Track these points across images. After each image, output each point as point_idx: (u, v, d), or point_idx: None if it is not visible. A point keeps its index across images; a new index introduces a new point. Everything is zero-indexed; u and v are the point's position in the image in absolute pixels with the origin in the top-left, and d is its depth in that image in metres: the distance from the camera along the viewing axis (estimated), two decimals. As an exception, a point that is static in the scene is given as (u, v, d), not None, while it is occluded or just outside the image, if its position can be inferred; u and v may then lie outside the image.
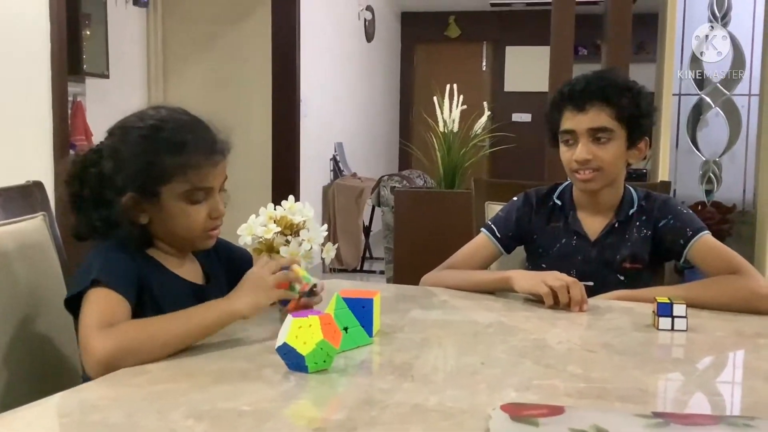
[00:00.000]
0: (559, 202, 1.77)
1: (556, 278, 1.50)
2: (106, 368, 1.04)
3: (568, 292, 1.47)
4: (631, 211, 1.72)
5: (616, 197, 1.73)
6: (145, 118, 1.24)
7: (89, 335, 1.08)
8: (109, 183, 1.20)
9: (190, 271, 1.32)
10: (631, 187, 1.76)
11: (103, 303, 1.12)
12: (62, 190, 1.26)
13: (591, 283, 1.62)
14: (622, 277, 1.69)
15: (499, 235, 1.77)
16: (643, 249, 1.70)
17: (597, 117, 1.63)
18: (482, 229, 1.81)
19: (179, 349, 1.11)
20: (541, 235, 1.77)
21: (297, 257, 1.44)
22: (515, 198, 1.82)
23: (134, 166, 1.20)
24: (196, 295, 1.28)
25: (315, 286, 1.32)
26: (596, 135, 1.64)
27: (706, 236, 1.65)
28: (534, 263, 1.80)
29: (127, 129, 1.24)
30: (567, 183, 1.79)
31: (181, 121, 1.25)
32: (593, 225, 1.74)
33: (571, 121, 1.66)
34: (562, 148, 1.70)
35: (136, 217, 1.22)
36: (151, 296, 1.21)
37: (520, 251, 1.85)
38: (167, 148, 1.20)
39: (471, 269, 1.74)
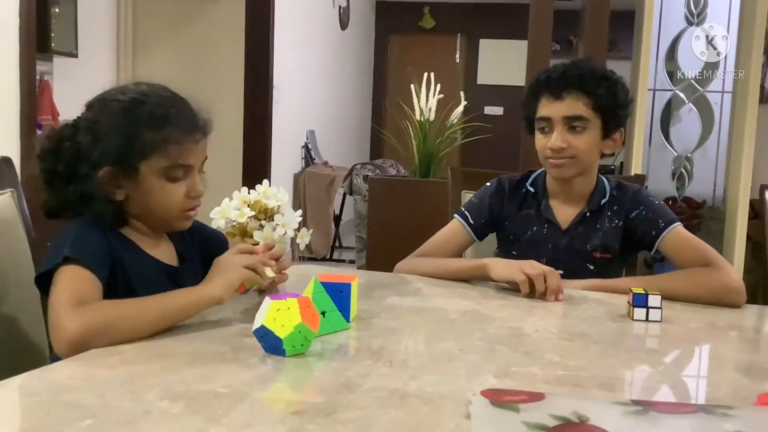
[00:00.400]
0: (531, 189, 1.77)
1: (532, 266, 1.51)
2: (77, 348, 1.01)
3: (545, 281, 1.48)
4: (603, 201, 1.72)
5: (588, 186, 1.73)
6: (126, 92, 1.21)
7: (60, 314, 1.04)
8: (86, 157, 1.17)
9: (165, 253, 1.29)
10: (603, 177, 1.76)
11: (75, 281, 1.09)
12: (35, 166, 1.22)
13: (560, 272, 1.62)
14: (592, 267, 1.70)
15: (472, 222, 1.77)
16: (614, 239, 1.71)
17: (573, 105, 1.64)
18: (455, 215, 1.80)
19: (151, 333, 1.09)
20: (512, 221, 1.77)
21: (271, 242, 1.43)
22: (488, 184, 1.82)
23: (113, 140, 1.16)
24: (170, 276, 1.26)
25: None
26: (572, 123, 1.64)
27: (678, 227, 1.66)
28: (504, 250, 1.80)
29: (106, 102, 1.20)
30: (540, 170, 1.79)
31: (163, 96, 1.22)
32: (565, 213, 1.74)
33: (547, 108, 1.66)
34: (538, 135, 1.70)
35: (112, 193, 1.19)
36: (124, 276, 1.18)
37: (491, 239, 1.85)
38: (148, 122, 1.17)
39: (444, 257, 1.73)
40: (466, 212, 1.79)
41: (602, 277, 1.66)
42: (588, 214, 1.72)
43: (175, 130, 1.19)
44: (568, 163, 1.66)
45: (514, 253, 1.73)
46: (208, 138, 1.26)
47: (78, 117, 1.22)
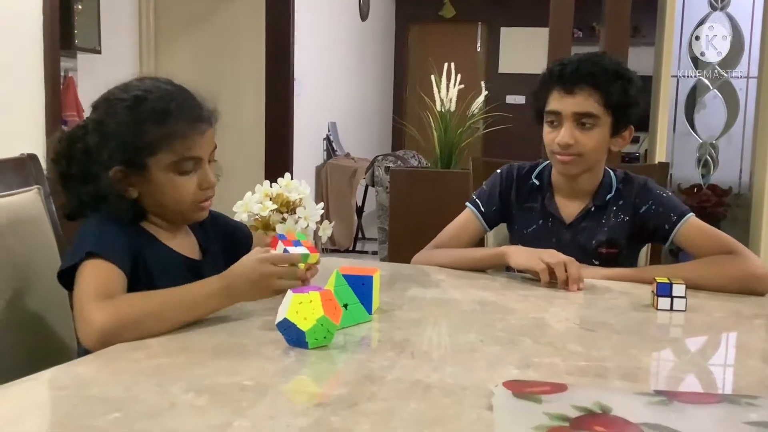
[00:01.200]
0: (537, 182, 1.75)
1: (552, 255, 1.50)
2: (104, 340, 1.03)
3: (565, 270, 1.47)
4: (609, 196, 1.70)
5: (594, 182, 1.71)
6: (129, 90, 1.21)
7: (87, 307, 1.06)
8: (96, 157, 1.18)
9: (185, 245, 1.30)
10: (610, 170, 1.73)
11: (100, 274, 1.10)
12: (50, 169, 1.24)
13: None
14: (596, 262, 1.67)
15: (483, 210, 1.76)
16: (620, 234, 1.69)
17: (584, 102, 1.61)
18: (467, 203, 1.79)
19: (176, 328, 1.10)
20: (518, 212, 1.76)
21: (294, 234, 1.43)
22: (498, 171, 1.80)
23: (119, 139, 1.17)
24: (191, 269, 1.27)
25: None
26: (581, 120, 1.61)
27: (692, 218, 1.64)
28: (512, 242, 1.78)
29: (111, 101, 1.21)
30: (547, 162, 1.76)
31: (164, 90, 1.22)
32: (569, 208, 1.72)
33: (558, 102, 1.63)
34: (546, 129, 1.68)
35: (125, 191, 1.20)
36: (144, 269, 1.19)
37: (500, 229, 1.83)
38: (151, 119, 1.18)
39: (459, 247, 1.73)
40: (477, 200, 1.77)
41: None
42: (593, 209, 1.70)
43: (179, 124, 1.19)
44: (575, 160, 1.64)
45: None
46: (216, 127, 1.26)
47: (87, 118, 1.24)
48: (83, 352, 1.07)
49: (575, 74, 1.61)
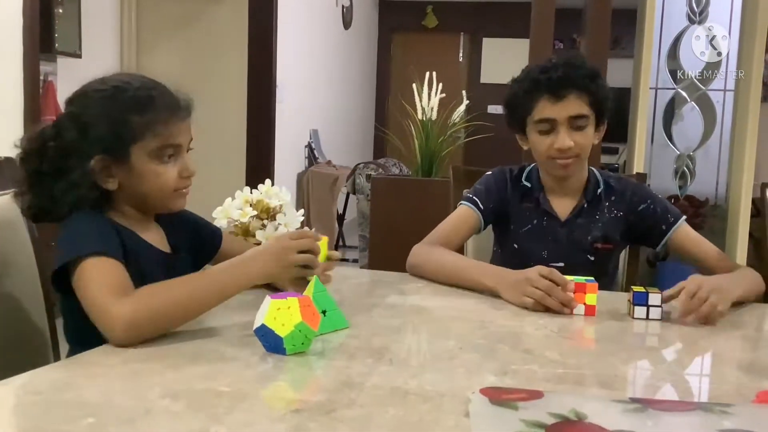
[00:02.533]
0: (527, 184, 1.78)
1: (533, 283, 1.39)
2: (134, 335, 1.03)
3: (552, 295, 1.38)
4: (599, 191, 1.74)
5: (582, 179, 1.75)
6: (107, 82, 1.22)
7: (104, 305, 1.04)
8: (74, 151, 1.17)
9: (157, 239, 1.29)
10: (592, 168, 1.79)
11: (107, 272, 1.09)
12: (18, 169, 1.22)
13: (561, 264, 1.64)
14: (592, 258, 1.72)
15: (482, 207, 1.76)
16: (615, 229, 1.74)
17: (576, 105, 1.65)
18: (462, 201, 1.79)
19: (198, 316, 1.11)
20: (514, 212, 1.78)
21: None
22: (490, 172, 1.82)
23: (101, 129, 1.17)
24: (165, 263, 1.26)
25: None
26: (576, 123, 1.66)
27: (685, 224, 1.72)
28: (505, 243, 1.80)
29: (88, 94, 1.21)
30: (532, 166, 1.80)
31: (143, 80, 1.24)
32: (562, 206, 1.76)
33: (549, 109, 1.66)
34: (537, 137, 1.69)
35: (104, 182, 1.19)
36: (135, 262, 1.18)
37: (477, 239, 1.84)
38: (134, 107, 1.18)
39: (455, 244, 1.73)
40: (474, 197, 1.77)
41: (601, 267, 1.71)
42: (586, 206, 1.74)
43: (161, 111, 1.20)
44: (574, 161, 1.68)
45: (515, 246, 1.75)
46: (193, 117, 1.26)
47: (58, 116, 1.23)
48: (75, 352, 1.06)
49: (563, 80, 1.64)
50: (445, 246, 1.69)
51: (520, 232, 1.77)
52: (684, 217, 1.73)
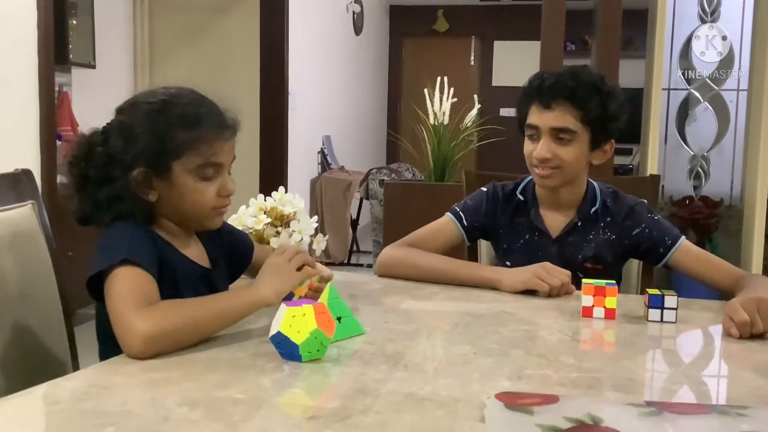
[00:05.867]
0: (521, 198, 1.76)
1: (546, 271, 1.54)
2: (149, 347, 1.04)
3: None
4: (593, 209, 1.71)
5: (577, 195, 1.72)
6: (156, 95, 1.23)
7: (126, 314, 1.05)
8: (119, 160, 1.19)
9: (197, 254, 1.30)
10: (596, 184, 1.75)
11: (136, 282, 1.10)
12: (66, 173, 1.23)
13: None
14: (581, 275, 1.65)
15: (465, 224, 1.76)
16: (606, 251, 1.71)
17: (561, 117, 1.61)
18: (448, 213, 1.79)
19: (210, 336, 1.12)
20: (505, 231, 1.77)
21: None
22: (483, 189, 1.81)
23: (146, 141, 1.18)
24: (204, 278, 1.28)
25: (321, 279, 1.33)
26: (559, 135, 1.63)
27: (685, 242, 1.68)
28: (499, 259, 1.80)
29: (137, 105, 1.22)
30: (530, 178, 1.77)
31: (193, 96, 1.24)
32: (555, 222, 1.73)
33: (536, 116, 1.65)
34: (526, 141, 1.69)
35: (145, 193, 1.20)
36: (170, 276, 1.19)
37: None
38: (180, 122, 1.19)
39: (431, 251, 1.72)
40: (460, 212, 1.78)
41: None
42: (579, 224, 1.71)
43: (206, 129, 1.21)
44: (553, 173, 1.65)
45: (508, 263, 1.72)
46: (236, 138, 1.28)
47: (107, 123, 1.24)
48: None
49: (553, 89, 1.62)
50: None
51: (513, 248, 1.75)
52: (683, 237, 1.68)
